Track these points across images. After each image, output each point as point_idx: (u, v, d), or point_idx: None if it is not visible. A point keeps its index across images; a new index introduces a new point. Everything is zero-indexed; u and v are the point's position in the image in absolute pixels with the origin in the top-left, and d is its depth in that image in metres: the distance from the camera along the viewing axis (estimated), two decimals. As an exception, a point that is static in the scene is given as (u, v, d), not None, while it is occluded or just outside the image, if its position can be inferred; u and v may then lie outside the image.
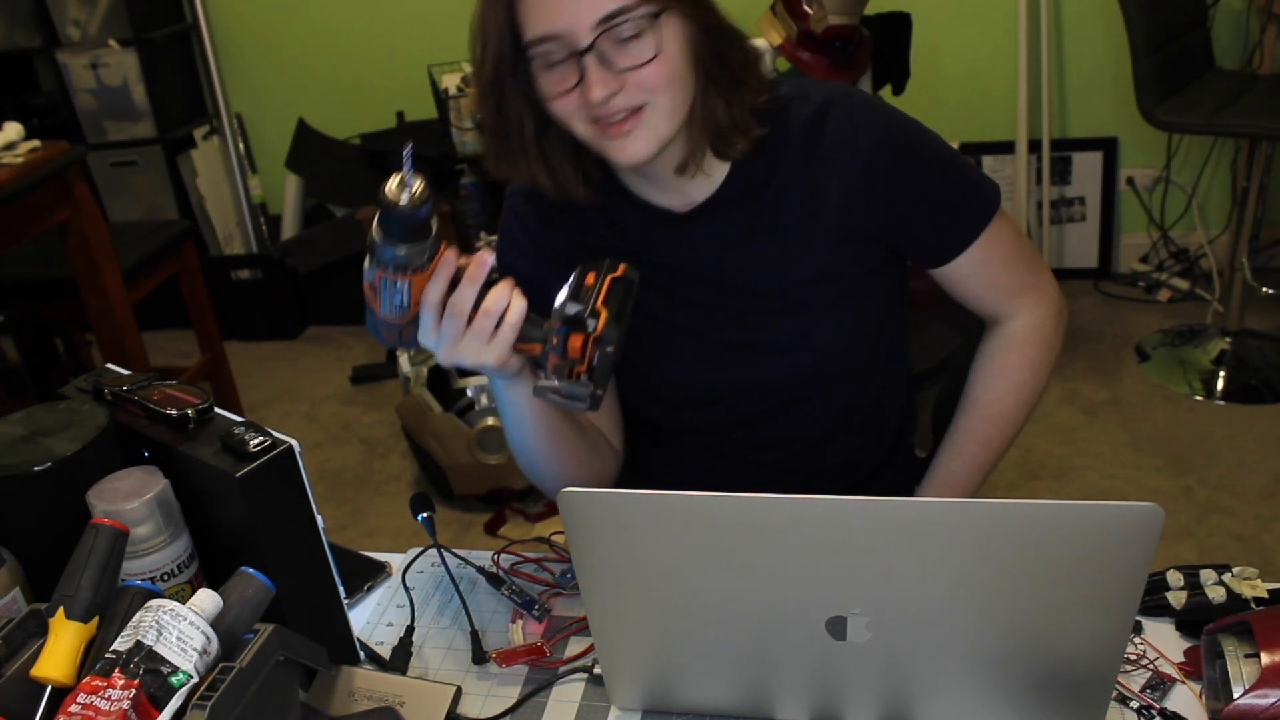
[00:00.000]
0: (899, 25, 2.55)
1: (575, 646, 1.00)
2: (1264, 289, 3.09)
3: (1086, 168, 3.29)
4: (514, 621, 1.02)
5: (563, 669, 0.97)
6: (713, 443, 1.19)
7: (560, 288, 0.89)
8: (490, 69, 0.99)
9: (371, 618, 1.08)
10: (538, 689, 0.95)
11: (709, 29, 1.00)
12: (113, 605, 0.79)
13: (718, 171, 1.07)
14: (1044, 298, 1.16)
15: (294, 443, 0.88)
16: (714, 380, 1.13)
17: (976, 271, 1.11)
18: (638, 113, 0.97)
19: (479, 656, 0.99)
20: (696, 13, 0.99)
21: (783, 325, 1.10)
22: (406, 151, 0.82)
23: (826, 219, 1.07)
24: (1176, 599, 0.95)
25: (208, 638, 0.75)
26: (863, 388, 1.16)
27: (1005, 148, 3.26)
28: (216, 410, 0.94)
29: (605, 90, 0.94)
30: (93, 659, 0.76)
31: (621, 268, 0.90)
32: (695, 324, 1.12)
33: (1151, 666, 0.90)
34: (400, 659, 1.00)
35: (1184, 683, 0.89)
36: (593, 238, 1.11)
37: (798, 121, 1.06)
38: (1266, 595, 0.94)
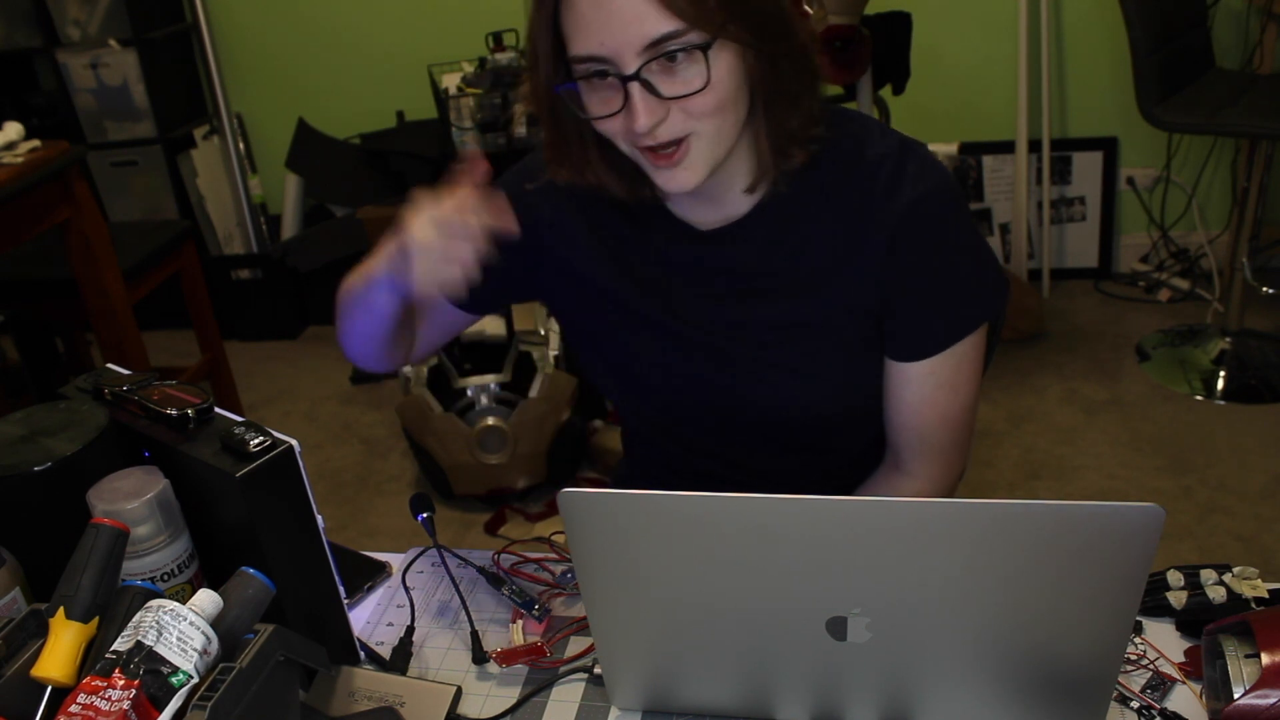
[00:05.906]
0: (899, 25, 2.55)
1: (575, 646, 1.00)
2: (1264, 289, 3.09)
3: (1086, 168, 3.29)
4: (514, 621, 1.02)
5: (563, 669, 0.97)
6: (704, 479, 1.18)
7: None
8: (542, 79, 0.96)
9: (371, 618, 1.08)
10: (538, 689, 0.95)
11: (765, 54, 0.93)
12: (113, 605, 0.79)
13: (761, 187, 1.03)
14: (949, 473, 1.11)
15: (294, 443, 0.88)
16: (685, 399, 1.11)
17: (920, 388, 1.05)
18: (684, 143, 0.93)
19: (479, 656, 0.99)
20: (753, 38, 0.92)
21: (768, 368, 1.06)
22: None
23: (843, 274, 1.02)
24: (1177, 599, 0.95)
25: (208, 638, 0.75)
26: (852, 440, 1.14)
27: (1005, 148, 3.26)
28: (216, 410, 0.94)
29: (651, 119, 0.91)
30: (93, 659, 0.76)
31: None
32: (687, 336, 1.08)
33: (1152, 666, 0.90)
34: (400, 659, 1.00)
35: (1184, 683, 0.89)
36: (609, 228, 1.09)
37: (853, 156, 1.01)
38: (1266, 595, 0.94)
